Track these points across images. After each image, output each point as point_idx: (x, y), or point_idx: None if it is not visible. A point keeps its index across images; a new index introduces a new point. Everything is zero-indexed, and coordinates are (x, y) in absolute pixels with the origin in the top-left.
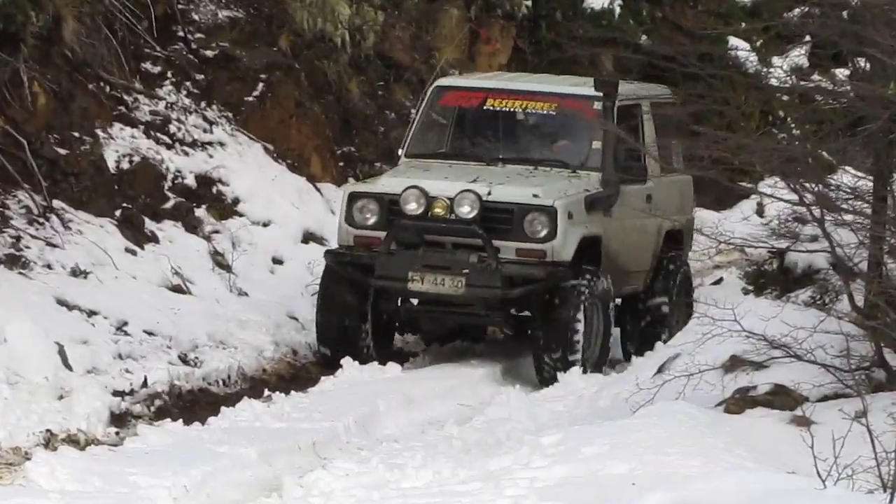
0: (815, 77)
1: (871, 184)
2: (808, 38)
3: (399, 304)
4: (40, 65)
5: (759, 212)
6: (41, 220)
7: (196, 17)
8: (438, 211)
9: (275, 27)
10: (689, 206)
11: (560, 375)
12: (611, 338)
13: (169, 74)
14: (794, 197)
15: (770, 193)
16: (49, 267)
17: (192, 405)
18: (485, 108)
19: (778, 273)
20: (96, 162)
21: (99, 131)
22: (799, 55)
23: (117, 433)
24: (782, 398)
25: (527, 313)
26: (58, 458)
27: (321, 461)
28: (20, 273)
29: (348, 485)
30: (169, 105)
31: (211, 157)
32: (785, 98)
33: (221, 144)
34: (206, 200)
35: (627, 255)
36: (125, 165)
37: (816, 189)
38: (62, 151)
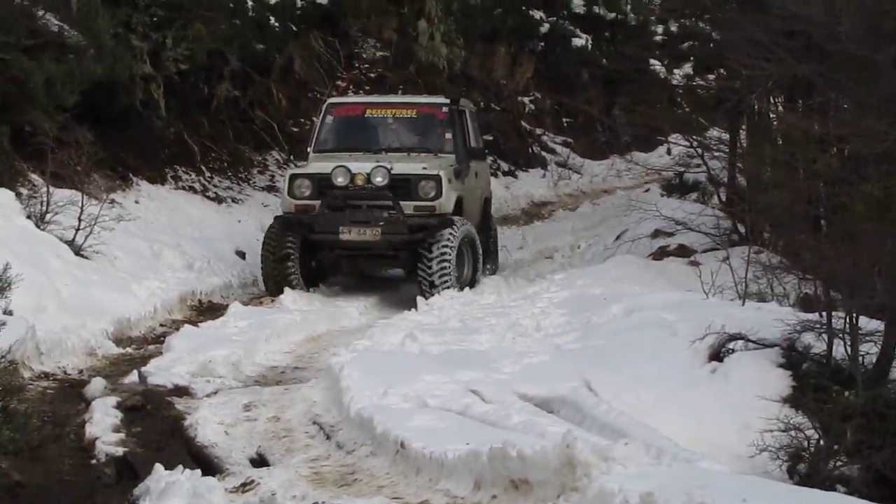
0: (697, 79)
1: (727, 135)
2: (692, 58)
3: (329, 251)
4: (281, 82)
5: (668, 152)
6: (284, 166)
7: (364, 56)
8: (359, 182)
9: (405, 59)
10: (489, 183)
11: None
12: (479, 265)
13: (351, 87)
14: (687, 143)
15: (674, 141)
16: None
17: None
18: (365, 116)
19: (679, 184)
20: None
21: (314, 119)
22: (688, 67)
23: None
24: (684, 251)
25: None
26: (296, 293)
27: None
28: (275, 195)
29: (452, 303)
30: None
31: None
32: (681, 91)
33: None
34: None
35: (470, 210)
36: None
37: (699, 139)
38: (295, 130)
